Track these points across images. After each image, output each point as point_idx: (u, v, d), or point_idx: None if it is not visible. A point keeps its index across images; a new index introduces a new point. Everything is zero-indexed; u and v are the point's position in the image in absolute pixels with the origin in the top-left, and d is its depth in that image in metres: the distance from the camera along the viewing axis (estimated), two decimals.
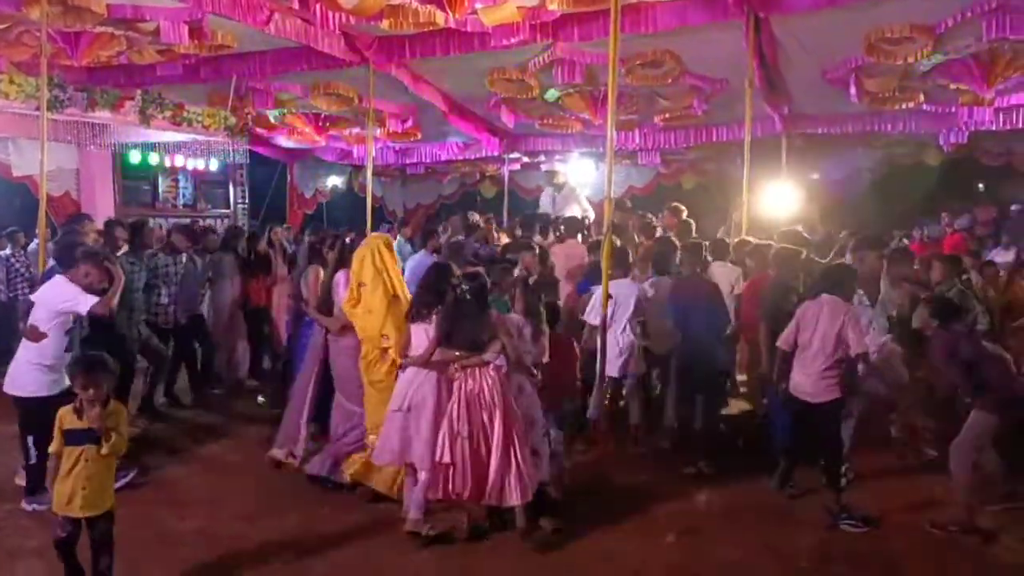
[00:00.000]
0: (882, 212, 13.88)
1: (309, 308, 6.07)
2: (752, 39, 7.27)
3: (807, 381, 5.28)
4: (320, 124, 11.60)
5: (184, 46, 7.66)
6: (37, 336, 5.12)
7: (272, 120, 11.48)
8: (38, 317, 5.19)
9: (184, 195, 13.45)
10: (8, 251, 9.59)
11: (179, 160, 12.02)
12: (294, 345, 6.35)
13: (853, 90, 8.57)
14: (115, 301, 5.38)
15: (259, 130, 11.94)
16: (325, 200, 16.10)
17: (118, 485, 4.37)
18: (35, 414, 4.97)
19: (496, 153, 12.80)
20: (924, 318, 5.20)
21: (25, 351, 5.16)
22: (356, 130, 11.91)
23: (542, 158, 14.73)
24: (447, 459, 4.64)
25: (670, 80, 8.72)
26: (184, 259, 8.10)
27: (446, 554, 4.68)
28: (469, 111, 11.13)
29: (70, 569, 3.90)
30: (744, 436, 6.66)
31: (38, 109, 7.02)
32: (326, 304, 5.86)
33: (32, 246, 9.88)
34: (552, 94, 9.64)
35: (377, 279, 5.34)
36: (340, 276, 5.77)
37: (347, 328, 5.56)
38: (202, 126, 9.48)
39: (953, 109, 9.40)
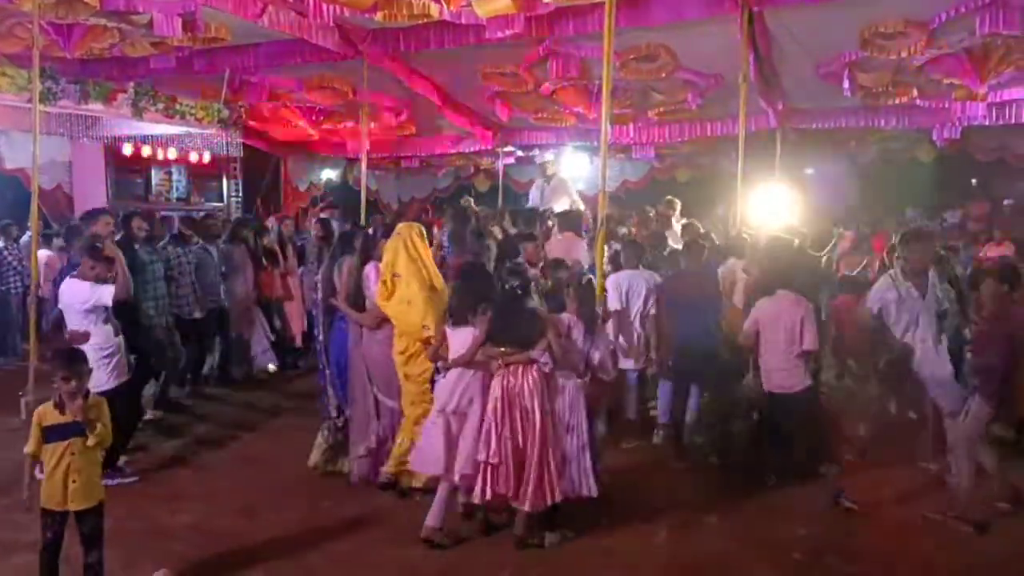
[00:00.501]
0: (875, 207, 13.91)
1: (340, 302, 5.67)
2: (746, 33, 7.27)
3: (779, 374, 5.37)
4: (314, 117, 11.57)
5: (177, 38, 7.62)
6: (83, 338, 5.23)
7: (266, 113, 11.45)
8: (72, 322, 5.34)
9: (177, 188, 13.39)
10: (0, 244, 9.55)
11: (172, 153, 11.97)
12: (326, 339, 5.97)
13: (847, 85, 8.58)
14: (128, 281, 5.45)
15: (252, 123, 11.91)
16: (319, 193, 16.05)
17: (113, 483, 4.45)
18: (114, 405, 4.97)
19: (490, 147, 12.79)
20: (993, 288, 5.13)
21: (88, 350, 4.91)
22: (350, 123, 11.88)
23: (536, 152, 14.72)
24: (496, 459, 4.55)
25: (664, 74, 8.73)
26: (194, 250, 8.05)
27: (445, 547, 4.69)
28: (463, 104, 11.11)
29: (50, 573, 3.87)
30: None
31: (30, 101, 6.99)
32: (356, 298, 5.57)
33: (24, 239, 9.85)
34: (547, 87, 9.63)
35: (413, 269, 5.18)
36: (370, 269, 5.51)
37: (383, 322, 5.36)
38: (195, 119, 9.46)
39: (946, 104, 9.43)
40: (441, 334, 4.92)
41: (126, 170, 12.28)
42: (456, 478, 4.70)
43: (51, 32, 7.62)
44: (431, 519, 4.69)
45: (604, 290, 6.05)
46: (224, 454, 6.43)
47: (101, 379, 5.11)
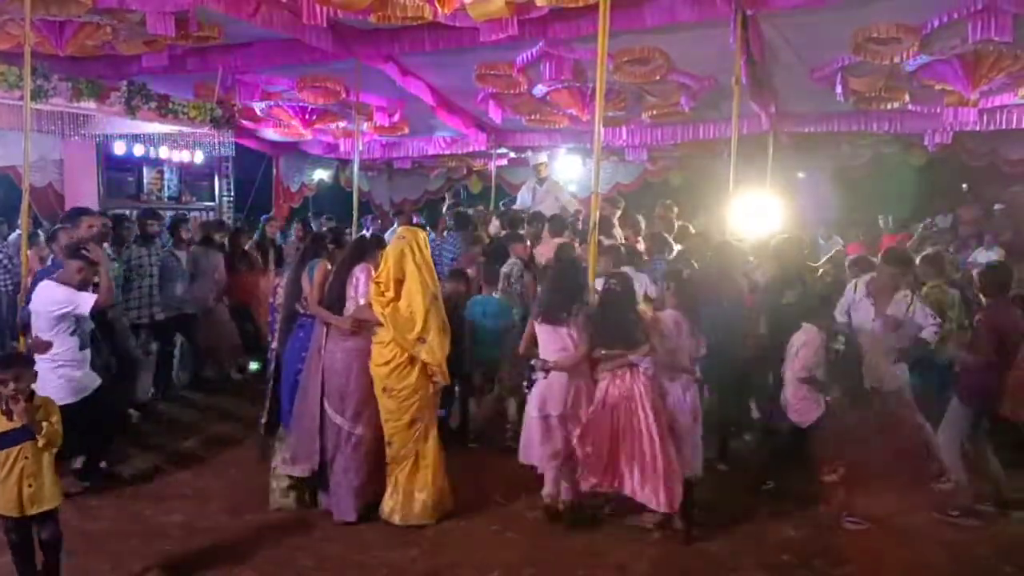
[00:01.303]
0: (866, 211, 13.96)
1: (311, 304, 5.36)
2: (740, 37, 7.29)
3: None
4: (307, 117, 11.54)
5: (170, 37, 7.59)
6: (44, 348, 5.01)
7: (259, 113, 11.42)
8: (39, 327, 5.11)
9: (169, 187, 13.33)
10: None
11: (164, 152, 11.92)
12: (280, 348, 5.67)
13: (840, 89, 8.61)
14: (111, 289, 5.37)
15: (245, 122, 11.87)
16: (311, 194, 16.01)
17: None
18: (79, 416, 4.92)
19: (483, 148, 12.79)
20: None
21: (42, 360, 4.83)
22: (343, 124, 11.86)
23: (529, 154, 14.73)
24: (591, 451, 4.63)
25: (658, 77, 8.74)
26: (159, 252, 7.97)
27: (434, 549, 4.69)
28: (457, 106, 11.11)
29: (28, 572, 3.84)
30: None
31: (21, 99, 6.95)
32: (336, 302, 5.25)
33: (13, 236, 9.80)
34: (540, 90, 9.63)
35: (417, 277, 4.96)
36: (359, 271, 5.22)
37: (358, 328, 5.10)
38: (188, 118, 9.41)
39: (938, 109, 9.46)
40: (530, 330, 4.89)
41: (118, 169, 12.21)
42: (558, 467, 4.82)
43: (43, 29, 7.58)
44: (550, 487, 4.97)
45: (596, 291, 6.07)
46: (208, 456, 6.35)
47: (57, 394, 4.71)
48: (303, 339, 5.38)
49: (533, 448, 4.97)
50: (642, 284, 6.62)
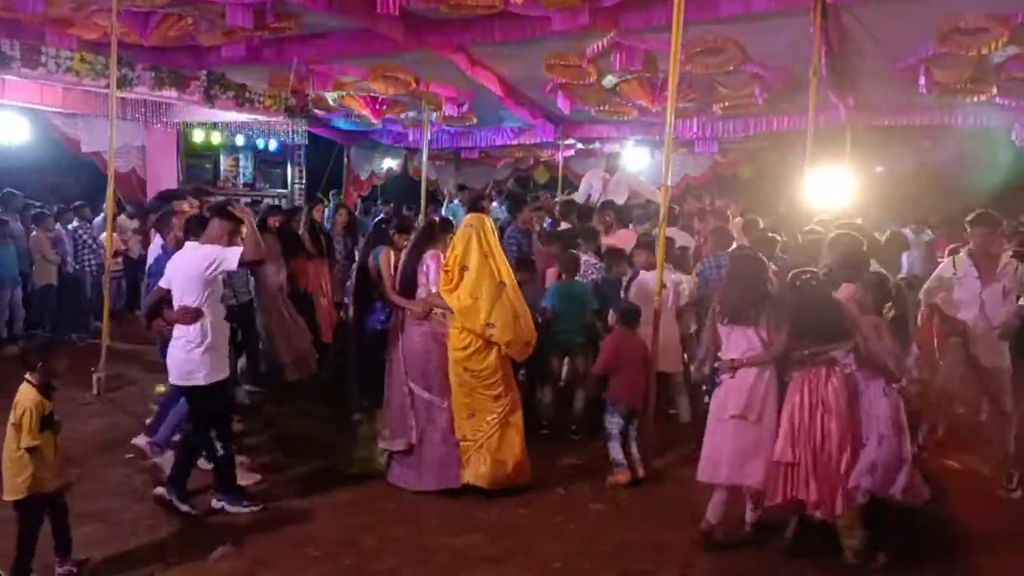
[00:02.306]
0: (946, 208, 13.47)
1: (388, 293, 5.55)
2: (819, 27, 7.10)
3: None
4: (377, 107, 11.70)
5: (248, 29, 7.78)
6: (193, 315, 4.62)
7: (331, 102, 11.62)
8: (184, 295, 4.67)
9: (244, 174, 13.71)
10: (75, 224, 9.90)
11: (240, 140, 12.25)
12: (358, 331, 5.82)
13: (923, 81, 8.33)
14: (259, 242, 4.85)
15: (318, 111, 12.10)
16: (380, 182, 16.25)
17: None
18: (212, 402, 4.79)
19: (551, 139, 12.77)
20: None
21: (186, 337, 4.66)
22: (412, 114, 11.98)
23: (597, 145, 14.65)
24: (788, 458, 4.30)
25: (731, 67, 8.58)
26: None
27: (495, 536, 4.72)
28: (525, 96, 11.10)
29: (32, 551, 3.95)
30: None
31: (107, 87, 7.23)
32: (407, 287, 5.43)
33: (98, 220, 10.21)
34: (610, 80, 9.55)
35: (484, 264, 5.03)
36: (429, 257, 5.36)
37: (431, 312, 5.27)
38: (263, 107, 9.66)
39: None
40: (713, 333, 4.71)
41: (196, 155, 12.60)
42: (749, 482, 4.47)
43: (128, 20, 7.85)
44: (711, 514, 4.58)
45: (664, 286, 6.00)
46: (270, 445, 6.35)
47: (209, 372, 4.68)
48: (382, 321, 5.62)
49: (719, 460, 4.54)
50: (676, 285, 6.56)
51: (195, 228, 4.84)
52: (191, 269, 4.64)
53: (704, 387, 4.87)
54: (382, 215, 11.39)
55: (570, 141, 13.63)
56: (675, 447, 6.13)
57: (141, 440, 5.62)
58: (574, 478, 5.59)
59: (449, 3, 7.16)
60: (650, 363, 5.65)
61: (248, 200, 12.82)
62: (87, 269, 9.79)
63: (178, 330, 4.68)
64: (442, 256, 5.27)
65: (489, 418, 5.16)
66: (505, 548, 4.58)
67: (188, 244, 4.79)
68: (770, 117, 10.78)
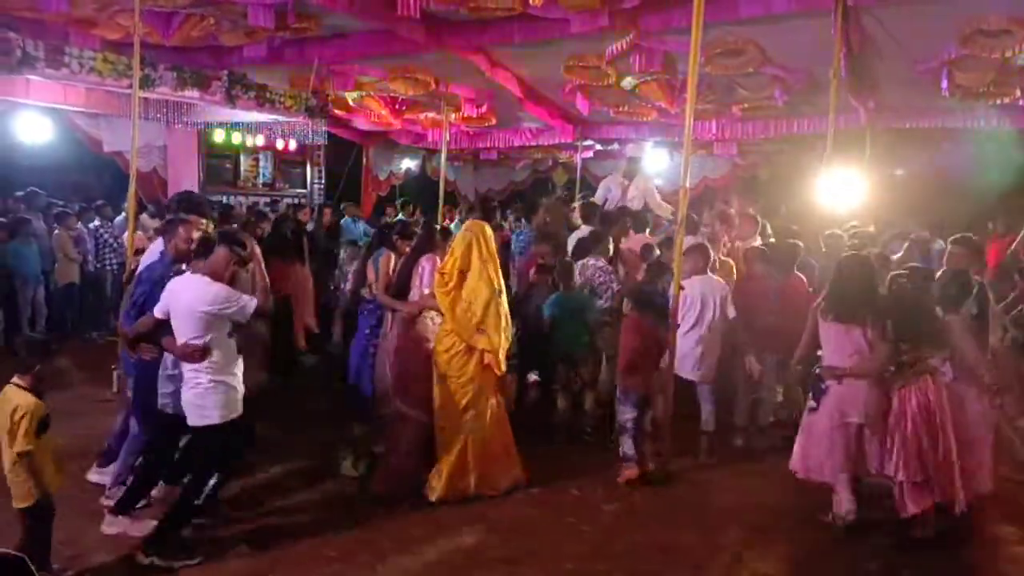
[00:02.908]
0: (967, 212, 13.32)
1: (379, 293, 5.67)
2: (840, 28, 7.05)
3: None
4: (396, 107, 11.74)
5: (270, 29, 7.82)
6: (202, 355, 4.23)
7: (350, 102, 11.67)
8: (186, 330, 4.23)
9: (264, 174, 13.81)
10: (97, 223, 10.01)
11: (260, 140, 12.33)
12: (350, 336, 5.97)
13: (945, 83, 8.23)
14: (268, 291, 4.54)
15: (337, 112, 12.15)
16: (398, 183, 16.30)
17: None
18: (223, 442, 4.40)
19: (570, 140, 12.76)
20: None
21: (195, 373, 4.30)
22: (431, 114, 12.01)
23: (615, 146, 14.61)
24: (918, 476, 4.38)
25: (751, 69, 8.53)
26: None
27: (510, 536, 4.73)
28: (544, 97, 11.10)
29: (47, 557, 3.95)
30: None
31: (130, 87, 7.29)
32: (401, 290, 5.53)
33: (119, 219, 10.31)
34: (629, 82, 9.53)
35: (482, 269, 5.13)
36: (426, 261, 5.47)
37: (421, 314, 5.35)
38: (284, 107, 9.72)
39: None
40: (812, 330, 4.71)
41: (217, 155, 12.70)
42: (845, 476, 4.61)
43: (151, 20, 7.91)
44: (848, 503, 4.68)
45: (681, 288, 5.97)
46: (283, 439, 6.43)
47: (223, 411, 4.30)
48: (373, 325, 5.77)
49: (818, 460, 4.73)
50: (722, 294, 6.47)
51: (201, 251, 4.43)
52: (195, 305, 4.21)
53: (804, 388, 4.87)
54: (387, 219, 11.41)
55: (588, 142, 13.60)
56: (692, 451, 6.13)
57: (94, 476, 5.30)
58: (588, 479, 5.60)
59: (469, 5, 7.17)
60: (665, 358, 5.63)
61: (268, 200, 12.91)
62: (108, 268, 9.89)
63: (186, 367, 4.30)
64: (439, 261, 5.36)
65: (454, 435, 5.15)
66: (518, 549, 4.60)
67: (192, 276, 4.31)
68: (790, 119, 10.71)
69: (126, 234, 7.39)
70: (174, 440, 4.66)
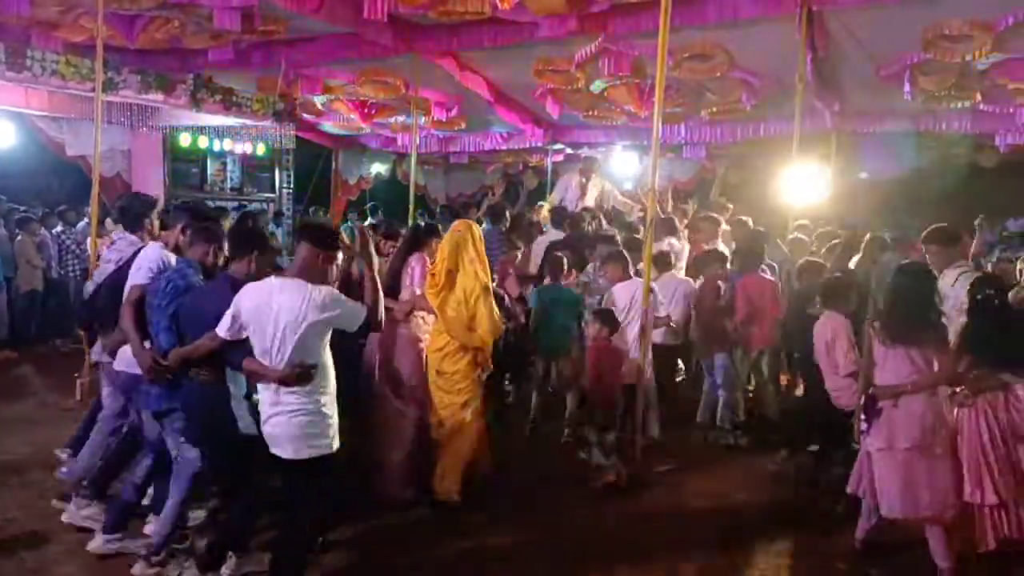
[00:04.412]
0: (933, 214, 13.56)
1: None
2: (804, 33, 7.14)
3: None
4: (366, 111, 11.68)
5: (236, 32, 7.75)
6: (308, 376, 3.57)
7: (319, 106, 11.59)
8: (285, 347, 3.54)
9: (231, 179, 13.63)
10: (59, 228, 9.83)
11: (227, 144, 12.19)
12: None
13: (907, 87, 8.37)
14: (379, 294, 3.95)
15: (306, 116, 12.06)
16: (368, 187, 16.21)
17: None
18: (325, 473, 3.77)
19: (540, 144, 12.78)
20: None
21: (306, 397, 3.61)
22: (401, 118, 11.97)
23: (585, 150, 14.66)
24: (993, 500, 4.02)
25: (719, 73, 8.61)
26: None
27: (480, 547, 4.70)
28: (514, 101, 11.11)
29: None
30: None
31: (93, 90, 7.18)
32: (391, 290, 5.27)
33: (81, 224, 10.14)
34: (598, 85, 9.57)
35: (471, 270, 5.11)
36: (414, 261, 5.36)
37: (410, 315, 5.26)
38: (251, 111, 9.61)
39: (1011, 109, 9.16)
40: (870, 356, 4.29)
41: (183, 160, 12.53)
42: (925, 515, 4.16)
43: (114, 23, 7.81)
44: (941, 559, 4.19)
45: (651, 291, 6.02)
46: None
47: (317, 443, 3.65)
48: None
49: (889, 493, 4.24)
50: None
51: (244, 249, 3.97)
52: (301, 315, 3.52)
53: (860, 417, 4.40)
54: (371, 221, 11.35)
55: (559, 146, 13.64)
56: (659, 457, 6.14)
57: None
58: (561, 482, 5.59)
59: (438, 9, 7.16)
60: (633, 373, 5.65)
61: (235, 204, 12.76)
62: (71, 274, 9.72)
63: (282, 391, 3.61)
64: (428, 260, 5.30)
65: (454, 429, 5.13)
66: (491, 552, 4.57)
67: (282, 281, 3.64)
68: (757, 123, 10.81)
69: (89, 239, 7.28)
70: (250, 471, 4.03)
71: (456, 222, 5.46)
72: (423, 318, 5.32)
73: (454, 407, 5.14)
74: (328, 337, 3.69)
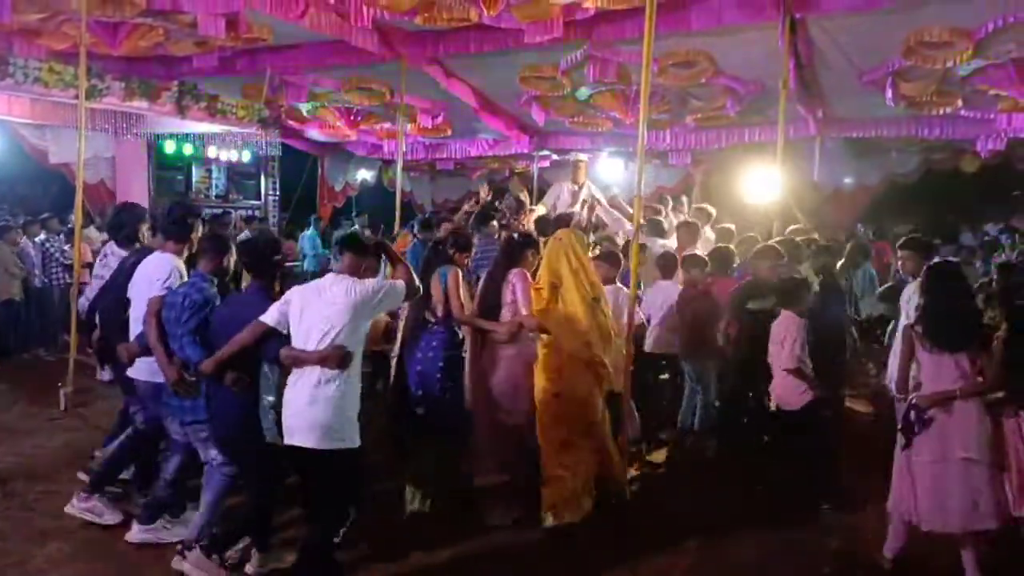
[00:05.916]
0: (916, 218, 13.69)
1: (462, 314, 4.93)
2: (788, 40, 7.20)
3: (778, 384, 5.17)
4: (352, 118, 11.68)
5: (220, 38, 7.73)
6: (343, 356, 3.73)
7: (305, 113, 11.58)
8: (333, 328, 3.73)
9: (217, 186, 13.61)
10: (43, 236, 9.75)
11: (212, 151, 12.16)
12: (409, 358, 5.06)
13: (890, 93, 8.46)
14: (414, 275, 4.19)
15: (291, 123, 12.05)
16: (354, 194, 16.20)
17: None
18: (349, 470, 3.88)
19: (526, 150, 12.81)
20: None
21: (330, 386, 3.73)
22: (387, 125, 11.97)
23: (571, 156, 14.69)
24: None
25: (703, 80, 8.68)
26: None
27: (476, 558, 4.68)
28: (500, 108, 11.14)
29: None
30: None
31: (76, 97, 7.15)
32: (488, 311, 4.99)
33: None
34: (584, 92, 9.62)
35: (575, 281, 4.84)
36: (514, 277, 4.94)
37: (516, 335, 4.89)
38: (236, 118, 9.60)
39: (992, 115, 9.27)
40: (908, 361, 4.15)
41: (167, 167, 12.49)
42: (982, 527, 3.96)
43: (98, 30, 7.77)
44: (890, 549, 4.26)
45: (638, 299, 6.02)
46: None
47: (344, 435, 3.79)
48: (436, 347, 4.95)
49: (946, 507, 3.96)
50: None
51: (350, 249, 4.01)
52: (349, 297, 3.78)
53: (904, 426, 4.16)
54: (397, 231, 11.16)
55: (545, 152, 13.68)
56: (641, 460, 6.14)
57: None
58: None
59: (423, 16, 7.17)
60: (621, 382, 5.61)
61: (219, 211, 12.72)
62: (55, 283, 9.64)
63: (323, 377, 3.74)
64: (529, 275, 4.96)
65: (587, 446, 4.87)
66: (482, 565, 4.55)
67: (339, 277, 3.87)
68: (742, 129, 10.89)
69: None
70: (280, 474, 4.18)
71: (559, 231, 5.20)
72: (530, 336, 4.95)
73: (581, 428, 4.86)
74: (367, 323, 3.90)
